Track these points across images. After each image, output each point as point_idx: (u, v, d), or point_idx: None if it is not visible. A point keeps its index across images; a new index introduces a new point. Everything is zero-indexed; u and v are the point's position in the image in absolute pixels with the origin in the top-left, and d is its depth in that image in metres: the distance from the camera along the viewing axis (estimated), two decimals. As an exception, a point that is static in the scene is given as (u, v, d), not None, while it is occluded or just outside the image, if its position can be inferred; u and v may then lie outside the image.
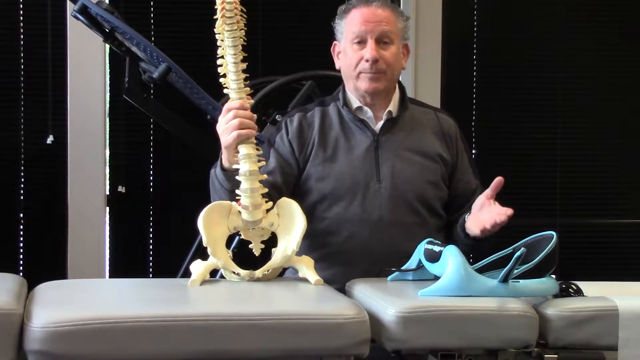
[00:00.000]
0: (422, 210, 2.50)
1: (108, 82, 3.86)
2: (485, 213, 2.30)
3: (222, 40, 2.13)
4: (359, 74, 2.51)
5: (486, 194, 2.31)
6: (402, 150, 2.52)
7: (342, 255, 2.45)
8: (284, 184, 2.47)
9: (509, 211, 2.23)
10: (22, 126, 3.82)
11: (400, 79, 2.62)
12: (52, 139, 3.79)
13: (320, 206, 2.47)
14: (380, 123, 2.54)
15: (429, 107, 2.67)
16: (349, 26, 2.53)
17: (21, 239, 3.85)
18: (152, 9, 3.92)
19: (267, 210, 2.18)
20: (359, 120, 2.54)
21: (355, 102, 2.56)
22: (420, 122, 2.59)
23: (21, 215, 3.85)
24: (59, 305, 1.85)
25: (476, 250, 2.45)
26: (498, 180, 2.29)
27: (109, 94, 3.87)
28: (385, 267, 2.28)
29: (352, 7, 2.54)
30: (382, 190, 2.47)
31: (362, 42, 2.50)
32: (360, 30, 2.50)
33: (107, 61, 3.85)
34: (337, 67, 2.61)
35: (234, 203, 2.18)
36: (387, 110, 2.55)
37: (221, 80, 2.17)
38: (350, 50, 2.52)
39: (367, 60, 2.48)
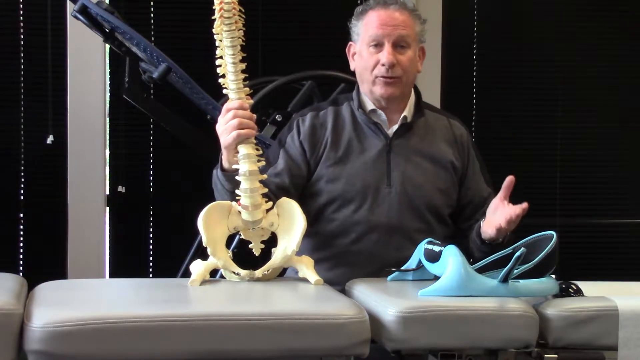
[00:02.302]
0: (430, 217, 2.47)
1: (108, 82, 3.86)
2: (499, 214, 2.27)
3: (220, 41, 2.12)
4: (375, 78, 2.46)
5: (499, 196, 2.28)
6: (414, 156, 2.49)
7: (347, 257, 2.44)
8: (292, 185, 2.43)
9: (523, 205, 2.21)
10: (22, 126, 3.82)
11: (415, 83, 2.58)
12: (52, 139, 3.79)
13: (330, 208, 2.45)
14: (394, 127, 2.50)
15: (442, 112, 2.63)
16: (365, 28, 2.47)
17: (21, 239, 3.85)
18: (152, 9, 3.92)
19: (267, 210, 2.18)
20: (372, 123, 2.49)
21: (369, 105, 2.51)
22: (433, 128, 2.54)
23: (21, 215, 3.85)
24: (59, 305, 1.85)
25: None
26: (509, 179, 2.26)
27: (109, 94, 3.87)
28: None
29: (370, 9, 2.48)
30: (392, 195, 2.44)
31: (378, 46, 2.45)
32: (377, 34, 2.44)
33: (107, 61, 3.85)
34: (351, 68, 2.56)
35: (234, 203, 2.18)
36: (402, 115, 2.50)
37: (220, 80, 2.17)
38: (366, 53, 2.47)
39: (383, 65, 2.43)
